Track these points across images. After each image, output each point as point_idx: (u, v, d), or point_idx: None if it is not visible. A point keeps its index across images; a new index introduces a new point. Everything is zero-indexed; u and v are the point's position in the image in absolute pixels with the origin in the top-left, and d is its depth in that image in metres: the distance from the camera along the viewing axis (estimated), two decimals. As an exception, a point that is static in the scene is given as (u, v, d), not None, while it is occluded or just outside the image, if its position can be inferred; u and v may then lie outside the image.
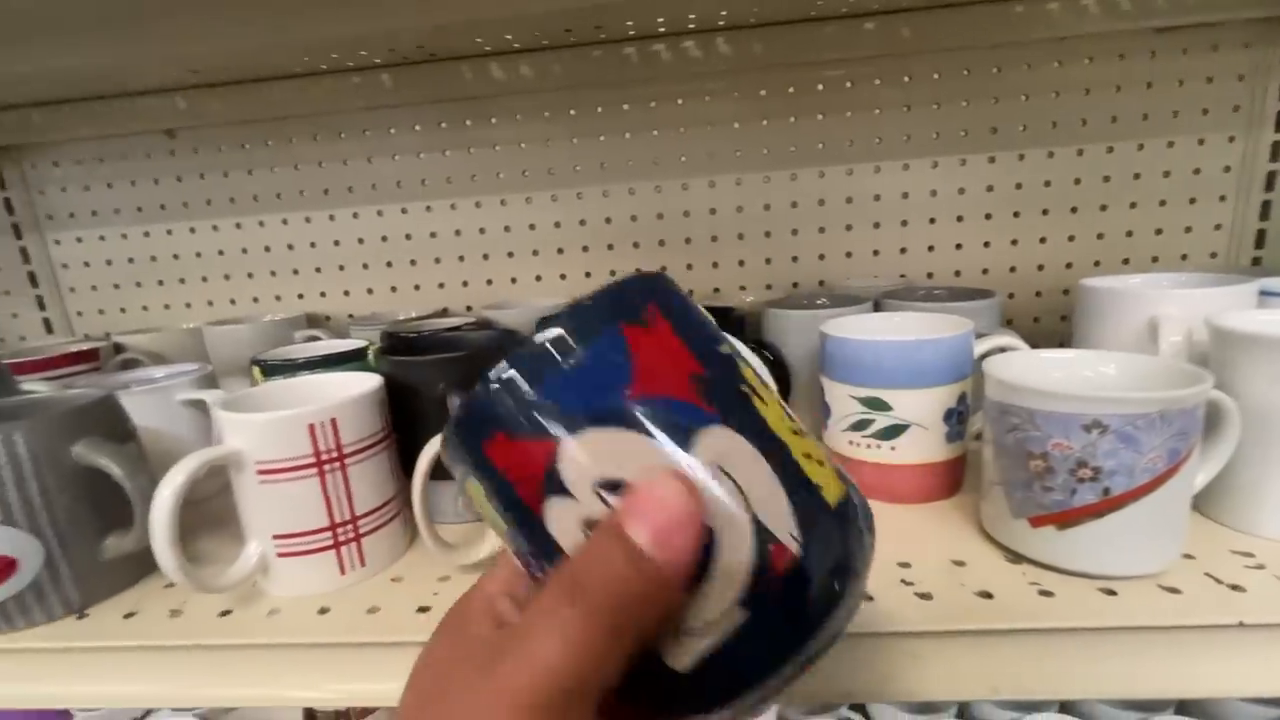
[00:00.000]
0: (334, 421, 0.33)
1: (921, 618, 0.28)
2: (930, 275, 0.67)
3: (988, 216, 0.65)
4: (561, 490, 0.15)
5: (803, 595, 0.15)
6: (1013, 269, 0.66)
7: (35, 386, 0.53)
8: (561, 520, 0.16)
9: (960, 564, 0.32)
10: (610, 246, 0.69)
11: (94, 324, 0.78)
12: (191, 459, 0.31)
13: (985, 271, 0.66)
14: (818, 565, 0.16)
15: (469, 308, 0.72)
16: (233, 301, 0.76)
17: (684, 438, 0.15)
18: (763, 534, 0.15)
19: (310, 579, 0.34)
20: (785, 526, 0.15)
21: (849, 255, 0.67)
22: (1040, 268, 0.65)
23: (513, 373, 0.16)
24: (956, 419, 0.38)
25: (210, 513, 0.45)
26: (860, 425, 0.39)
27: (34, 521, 0.32)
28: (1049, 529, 0.30)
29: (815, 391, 0.43)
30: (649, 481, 0.15)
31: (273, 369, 0.46)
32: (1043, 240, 0.65)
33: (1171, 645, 0.27)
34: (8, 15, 0.43)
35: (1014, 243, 0.65)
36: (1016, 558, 0.32)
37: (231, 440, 0.33)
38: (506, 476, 0.16)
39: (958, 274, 0.66)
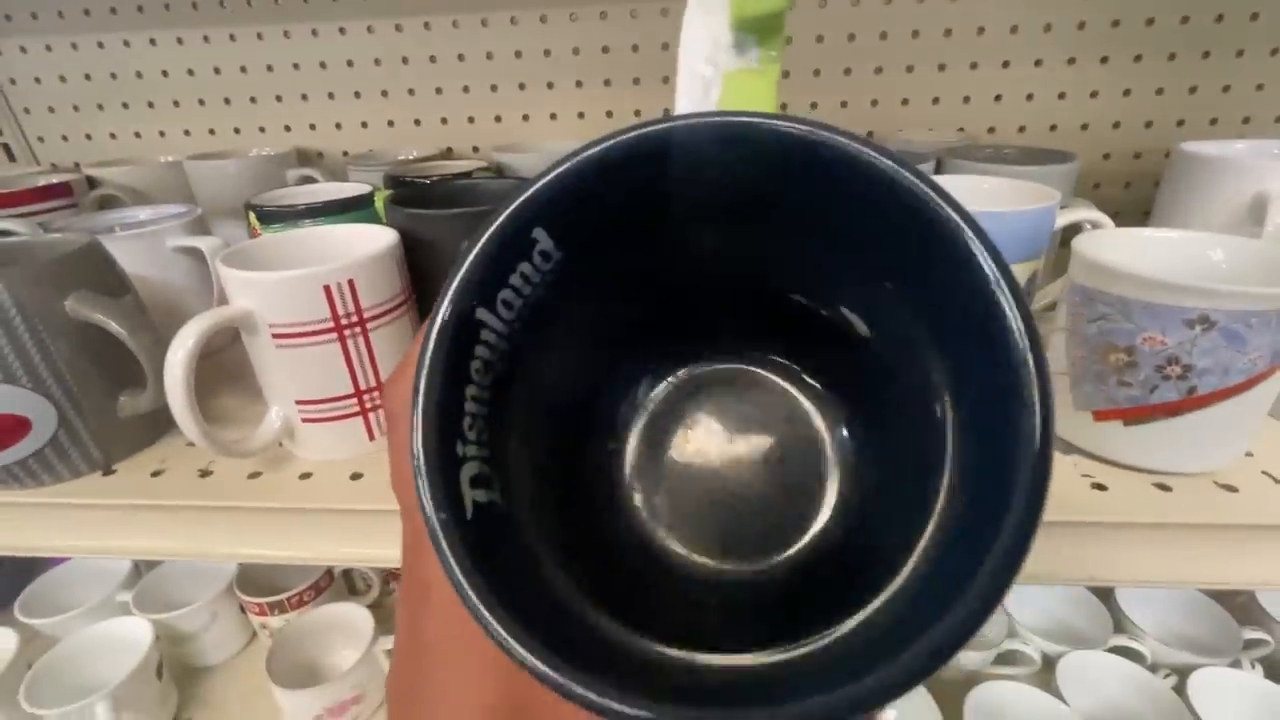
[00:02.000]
0: (351, 283, 0.30)
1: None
2: (991, 130, 0.60)
3: (1070, 61, 0.56)
4: None
5: None
6: (1085, 126, 0.59)
7: (8, 225, 0.48)
8: None
9: (1011, 452, 0.31)
10: (636, 81, 0.60)
11: (59, 152, 0.71)
12: (200, 320, 0.28)
13: (1053, 128, 0.59)
14: None
15: (475, 148, 0.65)
16: (211, 131, 0.68)
17: None
18: None
19: (339, 444, 0.33)
20: None
21: (905, 103, 0.59)
22: (1116, 125, 0.58)
23: None
24: (1023, 300, 0.35)
25: (223, 366, 0.43)
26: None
27: (37, 378, 0.30)
28: (1114, 424, 0.29)
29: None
30: None
31: (270, 216, 0.41)
32: (1127, 93, 0.57)
33: (1225, 542, 0.27)
34: None
35: (1093, 95, 0.57)
36: (1068, 448, 0.31)
37: (240, 300, 0.30)
38: None
39: (1022, 129, 0.59)
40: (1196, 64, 0.55)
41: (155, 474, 0.33)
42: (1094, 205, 0.38)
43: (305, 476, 0.32)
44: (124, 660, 0.55)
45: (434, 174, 0.51)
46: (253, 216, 0.42)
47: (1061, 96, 0.58)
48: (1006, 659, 0.56)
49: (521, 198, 0.12)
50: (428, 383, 0.12)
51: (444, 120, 0.64)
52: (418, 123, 0.65)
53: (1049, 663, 0.55)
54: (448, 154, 0.65)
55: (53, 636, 0.59)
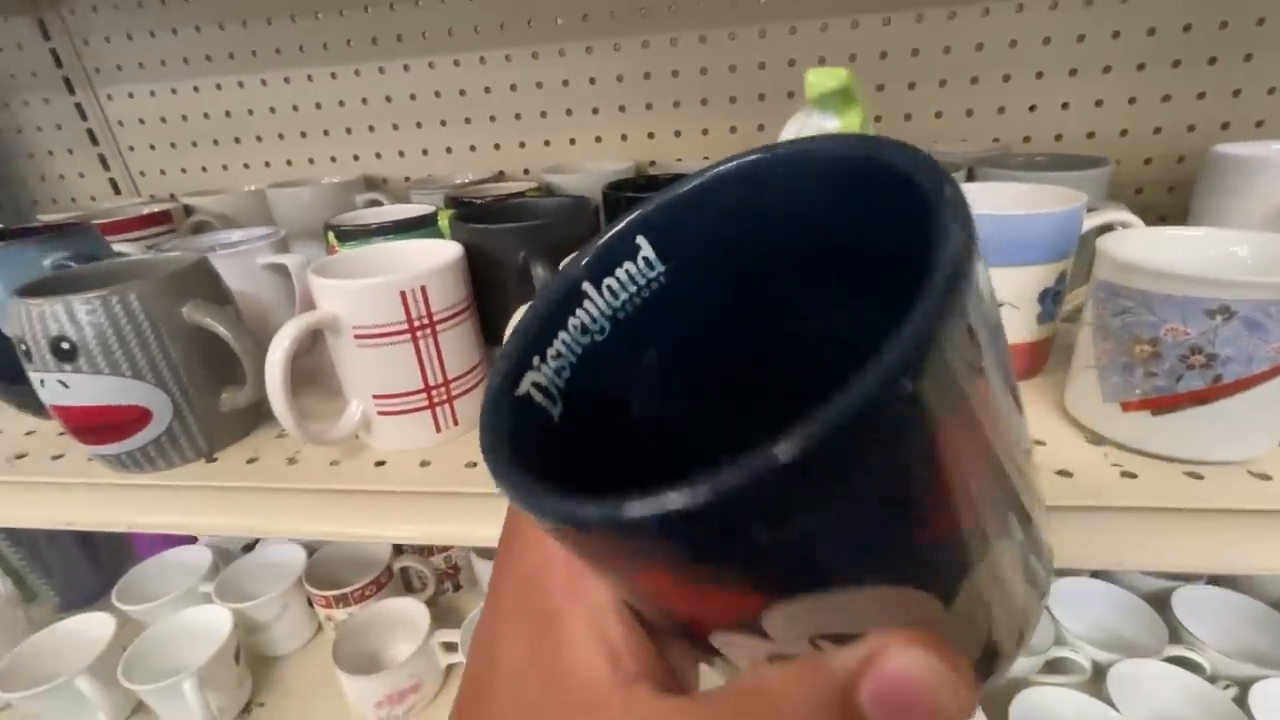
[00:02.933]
0: (423, 289, 0.34)
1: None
2: (1027, 139, 0.61)
3: (1106, 69, 0.57)
4: (752, 631, 0.11)
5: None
6: (1124, 132, 0.59)
7: (121, 248, 0.55)
8: (737, 645, 0.12)
9: (1040, 443, 0.33)
10: (676, 104, 0.64)
11: (157, 184, 0.79)
12: (295, 323, 0.32)
13: (1091, 135, 0.60)
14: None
15: (526, 171, 0.70)
16: (289, 162, 0.75)
17: (957, 576, 0.11)
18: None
19: (409, 435, 0.37)
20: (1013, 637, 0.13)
21: (939, 116, 0.61)
22: (1157, 131, 0.58)
23: (721, 503, 0.08)
24: (1052, 299, 0.36)
25: (301, 370, 0.47)
26: (946, 303, 0.38)
27: (159, 375, 0.35)
28: (1142, 414, 0.30)
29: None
30: (892, 645, 0.10)
31: (347, 234, 0.46)
32: (1166, 99, 0.57)
33: (1257, 528, 0.28)
34: None
35: (1131, 101, 0.58)
36: (1099, 439, 0.32)
37: (327, 305, 0.34)
38: (660, 603, 0.12)
39: (1059, 138, 0.60)
40: (1239, 67, 0.55)
41: (250, 461, 0.37)
42: (1128, 208, 0.39)
43: (380, 464, 0.36)
44: (206, 645, 0.59)
45: (489, 194, 0.55)
46: (331, 235, 0.47)
47: (1099, 104, 0.58)
48: (1056, 667, 0.56)
49: (635, 210, 0.15)
50: (534, 309, 0.14)
51: (497, 146, 0.69)
52: (473, 148, 0.70)
53: (1100, 672, 0.54)
54: (500, 176, 0.69)
55: (144, 622, 0.65)
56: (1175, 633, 0.55)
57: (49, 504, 0.39)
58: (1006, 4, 0.56)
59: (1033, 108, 0.59)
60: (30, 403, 0.44)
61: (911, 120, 0.61)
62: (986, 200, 0.39)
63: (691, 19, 0.61)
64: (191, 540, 0.75)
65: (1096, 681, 0.53)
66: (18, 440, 0.42)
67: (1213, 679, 0.52)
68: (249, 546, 0.75)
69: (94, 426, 0.35)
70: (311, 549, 0.71)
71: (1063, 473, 0.30)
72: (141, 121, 0.76)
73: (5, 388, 0.43)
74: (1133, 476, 0.30)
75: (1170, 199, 0.60)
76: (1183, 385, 0.28)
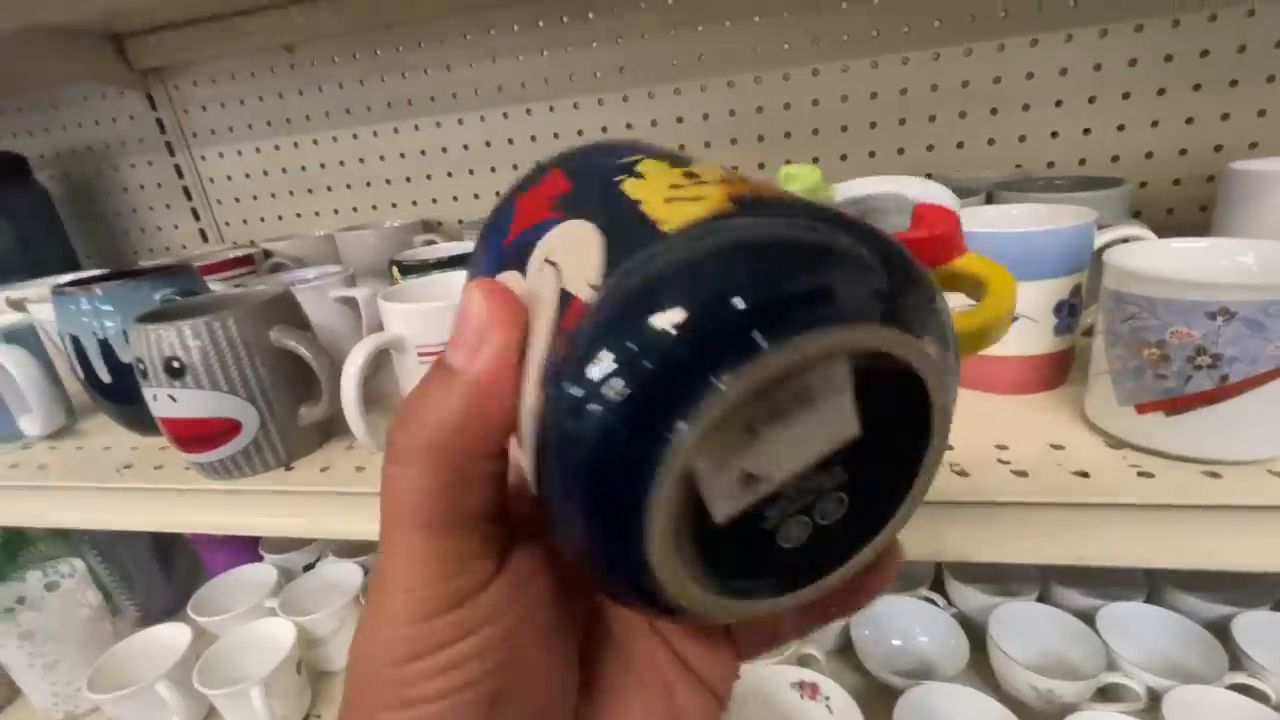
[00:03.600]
0: (478, 311, 0.38)
1: (1015, 491, 0.31)
2: (1051, 165, 0.62)
3: (1125, 96, 0.59)
4: None
5: (615, 350, 0.10)
6: (1149, 155, 0.60)
7: (214, 286, 0.61)
8: None
9: (1059, 447, 0.34)
10: (707, 144, 0.68)
11: (240, 232, 0.88)
12: (367, 342, 0.37)
13: (1115, 159, 0.61)
14: (631, 311, 0.10)
15: (568, 211, 0.75)
16: (355, 209, 0.82)
17: (527, 251, 0.14)
18: (564, 299, 0.12)
19: (463, 445, 0.40)
20: (585, 277, 0.11)
21: (960, 146, 0.63)
22: (1182, 152, 0.59)
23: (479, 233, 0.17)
24: (1068, 311, 0.38)
25: (365, 392, 0.52)
26: (964, 318, 0.40)
27: (249, 391, 0.40)
28: (1156, 415, 0.31)
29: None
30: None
31: (409, 269, 0.51)
32: (1189, 121, 0.58)
33: (1276, 525, 0.28)
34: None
35: (1154, 125, 0.59)
36: (1118, 443, 0.33)
37: (394, 327, 0.38)
38: None
39: (1083, 162, 0.62)
40: (1261, 89, 0.56)
41: (323, 470, 0.42)
42: (1146, 225, 0.41)
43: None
44: (271, 656, 0.63)
45: (535, 231, 0.60)
46: (395, 270, 0.52)
47: (1120, 129, 0.60)
48: (1108, 695, 0.54)
49: None
50: None
51: (542, 188, 0.75)
52: (520, 192, 0.76)
53: (1156, 700, 0.52)
54: (545, 216, 0.75)
55: (215, 634, 0.69)
56: (1236, 660, 0.53)
57: (151, 509, 0.44)
58: (1021, 39, 0.59)
59: (1054, 134, 0.61)
60: (136, 421, 0.50)
61: (934, 150, 0.64)
62: (1001, 220, 0.41)
63: (720, 66, 0.65)
64: (258, 559, 0.80)
65: (1152, 710, 0.52)
66: (125, 453, 0.48)
67: (1278, 708, 0.50)
68: (310, 565, 0.80)
69: (194, 436, 0.40)
70: (368, 568, 0.75)
71: (1080, 473, 0.31)
72: (229, 178, 0.85)
73: (116, 408, 0.49)
74: (1150, 476, 0.31)
75: (1203, 217, 0.60)
76: (1192, 386, 0.30)
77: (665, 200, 0.12)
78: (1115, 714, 0.50)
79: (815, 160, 0.67)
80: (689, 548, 0.11)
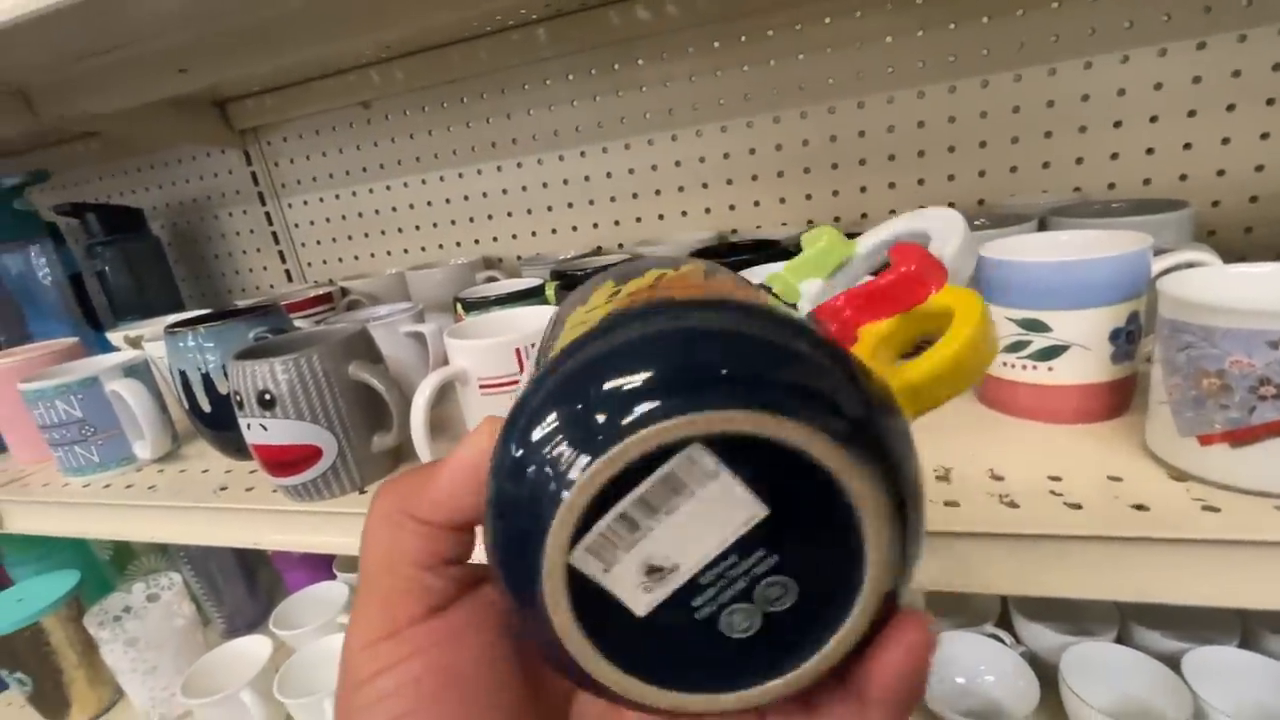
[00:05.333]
0: (534, 346, 0.40)
1: (1068, 523, 0.30)
2: (1112, 186, 0.61)
3: (1191, 114, 0.57)
4: None
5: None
6: (1220, 172, 0.58)
7: (299, 323, 0.67)
8: None
9: (1116, 479, 0.33)
10: (754, 178, 0.70)
11: (320, 271, 0.95)
12: (435, 376, 0.40)
13: (1183, 178, 0.59)
14: (504, 434, 0.12)
15: (620, 245, 0.78)
16: (423, 249, 0.88)
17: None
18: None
19: (520, 471, 0.43)
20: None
21: (1014, 170, 0.62)
22: (1259, 169, 0.57)
23: None
24: (1125, 339, 0.37)
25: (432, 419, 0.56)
26: (1016, 347, 0.39)
27: (329, 421, 0.43)
28: (1221, 447, 0.30)
29: (968, 314, 0.44)
30: None
31: (472, 305, 0.55)
32: (1265, 136, 0.56)
33: (1353, 562, 0.27)
34: (256, 29, 0.53)
35: (1225, 141, 0.57)
36: (1181, 475, 0.32)
37: (458, 361, 0.41)
38: None
39: (1147, 182, 0.60)
40: (1343, 99, 0.53)
41: (393, 493, 0.45)
42: (1211, 249, 0.39)
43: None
44: (343, 670, 0.67)
45: (589, 266, 0.63)
46: (459, 306, 0.56)
47: (1187, 147, 0.58)
48: (1196, 747, 0.50)
49: None
50: None
51: (595, 225, 0.78)
52: (574, 229, 0.80)
53: (1252, 755, 0.48)
54: (598, 251, 0.78)
55: (293, 646, 0.74)
56: (1346, 715, 0.49)
57: (242, 527, 0.48)
58: (1074, 62, 0.58)
59: (1114, 155, 0.60)
60: (230, 447, 0.55)
61: (985, 177, 0.63)
62: (1049, 248, 0.40)
63: (767, 103, 0.67)
64: (332, 577, 0.85)
65: (1248, 765, 0.48)
66: (220, 477, 0.53)
67: (1398, 771, 0.45)
68: (378, 585, 0.84)
69: (282, 461, 0.44)
70: (431, 588, 0.79)
71: (1139, 507, 0.31)
72: (311, 223, 0.92)
73: (214, 434, 0.54)
74: (1215, 510, 0.29)
75: (1285, 236, 0.57)
76: (1257, 417, 0.29)
77: (570, 328, 0.14)
78: (1203, 768, 0.47)
79: (862, 190, 0.67)
80: (621, 638, 0.11)
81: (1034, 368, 0.39)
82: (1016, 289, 0.38)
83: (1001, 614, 0.65)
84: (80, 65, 0.58)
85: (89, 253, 0.87)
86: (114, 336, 0.69)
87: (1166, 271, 0.37)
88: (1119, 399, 0.39)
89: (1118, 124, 0.59)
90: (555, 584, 0.11)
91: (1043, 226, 0.49)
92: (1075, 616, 0.61)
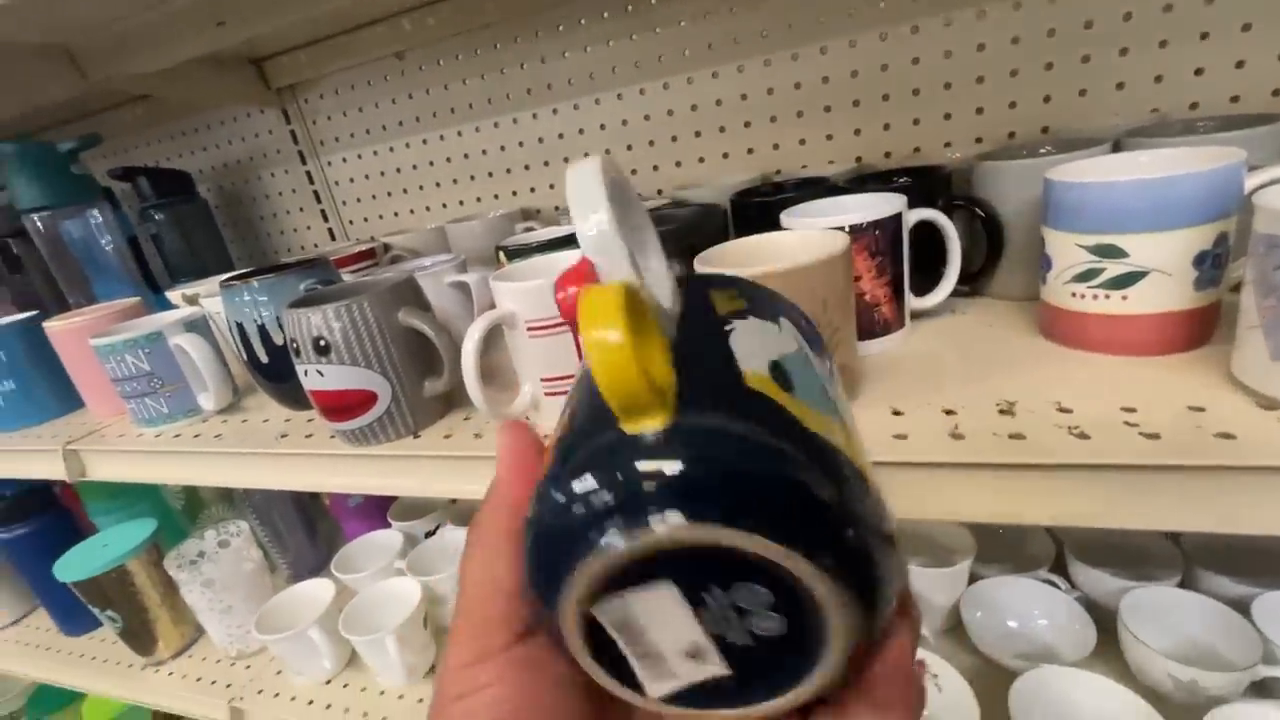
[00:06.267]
0: (580, 286, 0.40)
1: (1146, 453, 0.29)
2: (1194, 106, 0.56)
3: (1288, 20, 0.52)
4: None
5: None
6: (1319, 86, 0.52)
7: (346, 277, 0.68)
8: None
9: (1198, 409, 0.31)
10: (799, 114, 0.67)
11: (361, 229, 0.96)
12: (484, 318, 0.40)
13: (1276, 93, 0.54)
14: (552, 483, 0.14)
15: (659, 191, 0.76)
16: (460, 203, 0.88)
17: None
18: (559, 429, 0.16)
19: (569, 413, 0.43)
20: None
21: (1083, 94, 0.58)
22: (1363, 80, 0.51)
23: None
24: (1211, 263, 0.34)
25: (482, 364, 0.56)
26: (1086, 276, 0.37)
27: (383, 367, 0.44)
28: (1320, 372, 0.28)
29: (1033, 250, 0.41)
30: None
31: (514, 253, 0.55)
32: (1373, 41, 0.50)
33: None
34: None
35: (1325, 51, 0.51)
36: (1272, 403, 0.30)
37: (506, 304, 0.41)
38: None
39: (1235, 99, 0.55)
40: None
41: (446, 437, 0.46)
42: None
43: (546, 437, 0.42)
44: (401, 610, 0.70)
45: (629, 212, 0.62)
46: (502, 254, 0.56)
47: (1282, 59, 0.53)
48: (1264, 690, 0.49)
49: None
50: None
51: (634, 171, 0.77)
52: (612, 176, 0.78)
53: (1325, 699, 0.46)
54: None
55: (354, 589, 0.78)
56: None
57: (304, 471, 0.50)
58: (1155, -31, 0.53)
59: (1199, 71, 0.55)
60: (287, 397, 0.57)
61: (1051, 103, 0.59)
62: (1126, 169, 0.38)
63: (811, 32, 0.64)
64: (387, 525, 0.88)
65: (1320, 709, 0.46)
66: (280, 425, 0.55)
67: None
68: (430, 532, 0.87)
69: (338, 406, 0.45)
70: (481, 535, 0.81)
71: (1224, 435, 0.29)
72: (351, 180, 0.93)
73: (272, 385, 0.56)
74: (1310, 438, 0.28)
75: (1391, 154, 0.52)
76: (1365, 336, 0.26)
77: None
78: (1266, 708, 0.45)
79: (915, 122, 0.64)
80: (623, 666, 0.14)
81: (1105, 297, 0.37)
82: (1089, 212, 0.36)
83: (1056, 559, 0.64)
84: (123, 23, 0.58)
85: (142, 216, 0.90)
86: (172, 295, 0.71)
87: (1262, 187, 0.34)
88: (1200, 329, 0.36)
89: (1205, 35, 0.54)
90: (570, 622, 0.13)
91: (1117, 150, 0.45)
92: (1135, 562, 0.59)
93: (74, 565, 0.75)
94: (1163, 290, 0.35)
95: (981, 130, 0.62)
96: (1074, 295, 0.38)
